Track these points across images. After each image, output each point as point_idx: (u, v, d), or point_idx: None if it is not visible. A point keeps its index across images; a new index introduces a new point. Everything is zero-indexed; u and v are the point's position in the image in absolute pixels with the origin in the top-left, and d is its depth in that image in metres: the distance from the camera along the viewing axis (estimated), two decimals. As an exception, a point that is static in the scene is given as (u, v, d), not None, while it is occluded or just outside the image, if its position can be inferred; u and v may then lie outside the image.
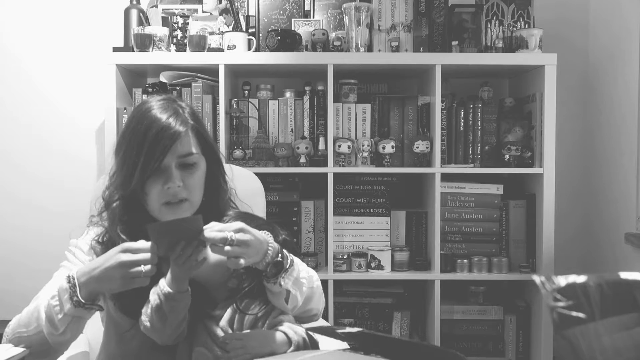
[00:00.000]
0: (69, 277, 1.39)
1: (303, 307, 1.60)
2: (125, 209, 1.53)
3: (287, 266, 1.48)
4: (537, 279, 0.76)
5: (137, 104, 2.66)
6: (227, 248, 1.36)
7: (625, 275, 0.76)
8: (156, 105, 1.52)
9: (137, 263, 1.33)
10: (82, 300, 1.36)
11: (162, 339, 1.43)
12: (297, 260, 1.54)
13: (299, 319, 1.64)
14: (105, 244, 1.55)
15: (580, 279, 0.75)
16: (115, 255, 1.35)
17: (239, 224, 1.39)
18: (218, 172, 1.63)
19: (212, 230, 1.36)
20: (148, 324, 1.41)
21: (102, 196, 1.58)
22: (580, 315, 0.72)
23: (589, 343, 0.70)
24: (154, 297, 1.40)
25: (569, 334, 0.71)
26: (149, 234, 1.35)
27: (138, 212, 1.53)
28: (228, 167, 1.77)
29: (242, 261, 1.37)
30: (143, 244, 1.36)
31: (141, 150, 1.46)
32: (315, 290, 1.63)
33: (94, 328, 1.78)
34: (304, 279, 1.55)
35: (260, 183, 2.15)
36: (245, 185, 2.08)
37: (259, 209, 2.10)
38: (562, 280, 0.74)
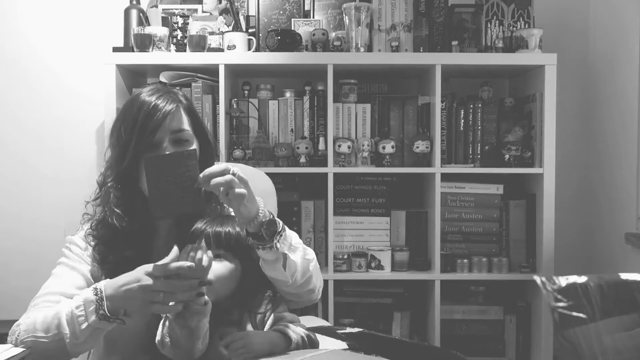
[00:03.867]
0: (96, 289, 1.39)
1: (302, 279, 1.59)
2: (119, 185, 1.55)
3: (280, 229, 1.49)
4: (538, 279, 0.76)
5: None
6: (229, 176, 1.37)
7: (625, 276, 0.76)
8: (145, 90, 1.57)
9: (157, 290, 1.33)
10: (108, 314, 1.36)
11: (191, 355, 1.41)
12: (288, 230, 1.55)
13: (299, 297, 1.64)
14: (99, 225, 1.58)
15: (581, 279, 0.75)
16: (139, 276, 1.35)
17: (228, 164, 1.42)
18: (209, 153, 1.65)
19: (209, 170, 1.39)
20: (168, 342, 1.40)
21: (96, 181, 1.61)
22: (581, 315, 0.72)
23: (590, 344, 0.70)
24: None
25: (569, 334, 0.71)
26: (145, 169, 1.37)
27: (131, 190, 1.56)
28: (237, 166, 1.79)
29: (243, 191, 1.39)
30: (161, 267, 1.33)
31: (134, 126, 1.50)
32: (314, 264, 1.64)
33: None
34: (298, 244, 1.57)
35: (272, 182, 2.16)
36: (257, 184, 2.10)
37: (271, 209, 2.10)
38: (562, 281, 0.74)
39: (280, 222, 1.50)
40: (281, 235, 1.49)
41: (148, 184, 1.38)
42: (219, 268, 1.47)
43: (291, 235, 1.55)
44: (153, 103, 1.51)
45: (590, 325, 0.72)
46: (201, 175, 1.38)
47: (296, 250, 1.55)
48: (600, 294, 0.73)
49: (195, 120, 1.61)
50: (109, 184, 1.55)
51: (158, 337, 1.42)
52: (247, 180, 1.43)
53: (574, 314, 0.73)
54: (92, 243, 1.58)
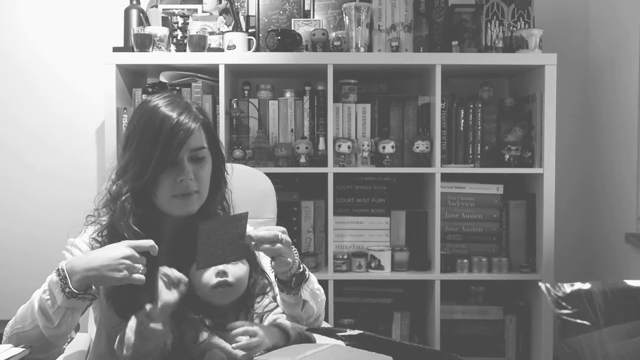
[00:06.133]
0: (58, 269, 1.41)
1: (314, 319, 1.66)
2: (136, 202, 1.54)
3: (307, 277, 1.57)
4: (543, 285, 0.76)
5: (137, 103, 2.67)
6: (279, 245, 1.44)
7: (629, 282, 0.76)
8: (163, 102, 1.54)
9: (142, 260, 1.39)
10: (75, 291, 1.38)
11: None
12: (311, 275, 1.62)
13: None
14: (106, 238, 1.56)
15: (585, 286, 0.75)
16: (123, 248, 1.39)
17: (282, 228, 1.48)
18: (221, 167, 1.67)
19: (260, 230, 1.46)
20: (127, 352, 1.40)
21: (107, 190, 1.59)
22: (585, 323, 0.72)
23: (593, 351, 0.70)
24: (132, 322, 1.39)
25: (573, 342, 0.71)
26: (198, 234, 1.38)
27: (146, 204, 1.55)
28: (238, 168, 1.81)
29: (289, 260, 1.47)
30: (148, 242, 1.41)
31: (156, 144, 1.48)
32: (323, 301, 1.70)
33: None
34: (318, 290, 1.63)
35: (271, 183, 2.16)
36: (256, 185, 2.11)
37: (270, 210, 2.12)
38: (567, 288, 0.74)
39: (307, 271, 1.58)
40: (306, 282, 1.56)
41: (199, 244, 1.40)
42: (238, 270, 1.51)
43: (313, 281, 1.62)
44: (176, 120, 1.50)
45: (594, 332, 0.72)
46: (253, 236, 1.44)
47: (317, 297, 1.63)
48: (604, 301, 0.73)
49: (211, 136, 1.61)
50: (123, 197, 1.53)
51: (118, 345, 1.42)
52: (290, 242, 1.50)
53: (578, 321, 0.73)
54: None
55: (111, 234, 1.55)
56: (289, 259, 1.49)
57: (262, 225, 2.03)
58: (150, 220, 1.54)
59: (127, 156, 1.54)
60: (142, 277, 1.38)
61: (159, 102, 1.54)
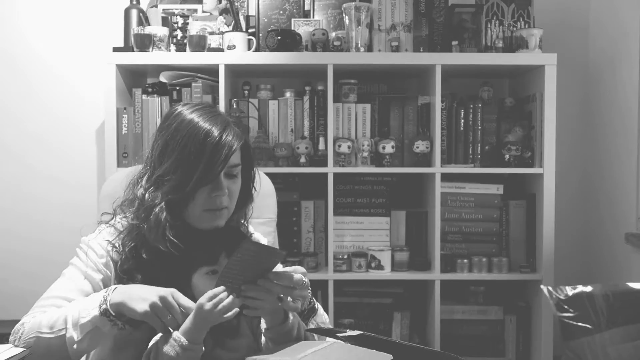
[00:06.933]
0: (107, 288, 1.41)
1: None
2: (170, 213, 1.52)
3: (316, 311, 1.61)
4: (545, 288, 0.76)
5: (137, 103, 2.67)
6: (297, 292, 1.43)
7: (632, 285, 0.76)
8: (202, 114, 1.53)
9: (177, 312, 1.36)
10: (110, 310, 1.36)
11: None
12: (320, 308, 1.65)
13: None
14: (127, 241, 1.54)
15: (587, 289, 0.75)
16: (166, 290, 1.37)
17: (303, 269, 1.47)
18: (250, 184, 1.67)
19: (286, 273, 1.44)
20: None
21: (137, 196, 1.56)
22: (587, 326, 0.72)
23: (595, 354, 0.70)
24: (168, 348, 1.36)
25: (575, 345, 0.71)
26: (239, 249, 1.35)
27: (179, 216, 1.54)
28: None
29: (299, 305, 1.47)
30: (189, 303, 1.38)
31: (199, 160, 1.47)
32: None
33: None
34: (325, 321, 1.66)
35: (271, 183, 2.16)
36: (256, 185, 2.10)
37: (270, 210, 2.11)
38: (569, 290, 0.74)
39: (317, 305, 1.62)
40: (314, 316, 1.60)
41: (233, 259, 1.36)
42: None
43: (321, 314, 1.64)
44: (218, 137, 1.49)
45: (595, 335, 0.72)
46: (275, 275, 1.42)
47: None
48: (606, 304, 0.73)
49: (247, 154, 1.62)
50: (158, 208, 1.51)
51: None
52: (309, 283, 1.51)
53: (580, 324, 0.72)
54: (115, 255, 1.54)
55: (136, 241, 1.53)
56: (301, 301, 1.49)
57: (262, 225, 2.04)
58: (180, 231, 1.52)
59: (166, 167, 1.51)
60: (166, 328, 1.37)
61: (198, 112, 1.53)
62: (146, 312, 1.34)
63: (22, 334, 1.43)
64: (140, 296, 1.36)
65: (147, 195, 1.53)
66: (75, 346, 1.39)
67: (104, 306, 1.37)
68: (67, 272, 1.57)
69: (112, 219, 1.61)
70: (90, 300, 1.41)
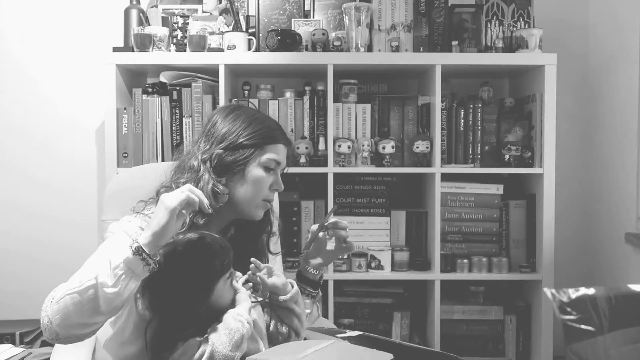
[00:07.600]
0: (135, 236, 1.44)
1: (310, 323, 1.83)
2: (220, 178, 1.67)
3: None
4: (548, 291, 0.76)
5: (137, 103, 2.67)
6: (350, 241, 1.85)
7: (634, 287, 0.76)
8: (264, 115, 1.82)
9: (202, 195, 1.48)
10: (142, 247, 1.37)
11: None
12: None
13: None
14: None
15: (590, 291, 0.75)
16: (183, 188, 1.46)
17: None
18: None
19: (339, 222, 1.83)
20: (229, 352, 1.40)
21: (185, 167, 1.67)
22: (589, 328, 0.72)
23: (598, 357, 0.70)
24: (238, 324, 1.41)
25: (577, 348, 0.71)
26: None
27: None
28: None
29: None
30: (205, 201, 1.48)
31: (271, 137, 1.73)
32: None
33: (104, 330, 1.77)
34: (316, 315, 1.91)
35: None
36: None
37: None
38: (572, 293, 0.74)
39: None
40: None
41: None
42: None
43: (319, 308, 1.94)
44: (280, 133, 1.76)
45: (598, 338, 0.72)
46: (334, 223, 1.86)
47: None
48: (608, 307, 0.73)
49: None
50: (218, 183, 1.65)
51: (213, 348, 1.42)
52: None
53: (582, 326, 0.73)
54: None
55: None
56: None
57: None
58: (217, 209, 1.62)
59: (228, 142, 1.67)
60: (204, 207, 1.45)
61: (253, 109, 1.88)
62: (181, 201, 1.40)
63: (53, 299, 1.40)
64: (165, 205, 1.40)
65: (195, 165, 1.66)
66: (107, 292, 1.36)
67: (135, 244, 1.38)
68: (102, 246, 1.55)
69: (145, 205, 1.68)
70: (118, 246, 1.41)
